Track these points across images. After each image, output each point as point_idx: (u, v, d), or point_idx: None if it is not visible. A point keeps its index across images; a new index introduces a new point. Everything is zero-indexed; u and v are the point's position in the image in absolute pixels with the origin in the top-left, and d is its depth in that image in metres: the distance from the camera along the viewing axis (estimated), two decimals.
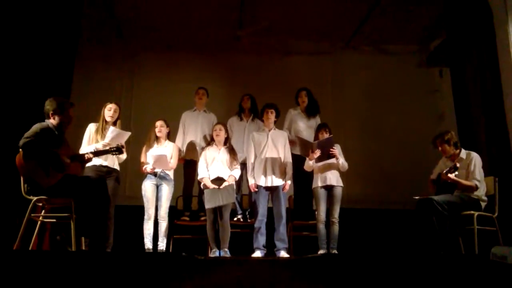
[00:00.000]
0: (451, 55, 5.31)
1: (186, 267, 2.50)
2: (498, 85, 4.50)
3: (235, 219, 4.75)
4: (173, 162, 4.40)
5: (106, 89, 6.14)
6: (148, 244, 4.23)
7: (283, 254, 4.17)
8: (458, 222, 3.73)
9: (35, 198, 3.27)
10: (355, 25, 6.20)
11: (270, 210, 4.33)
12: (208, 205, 4.19)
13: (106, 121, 4.13)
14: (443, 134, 3.93)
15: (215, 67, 6.59)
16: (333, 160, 4.30)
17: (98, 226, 3.37)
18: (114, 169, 4.12)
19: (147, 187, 4.32)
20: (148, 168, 4.31)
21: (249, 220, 4.75)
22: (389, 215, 5.42)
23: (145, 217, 4.28)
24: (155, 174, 4.34)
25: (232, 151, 4.44)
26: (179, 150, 4.74)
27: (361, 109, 6.50)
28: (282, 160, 4.38)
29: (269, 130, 4.47)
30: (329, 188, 4.29)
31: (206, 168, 4.36)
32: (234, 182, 4.37)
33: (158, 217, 4.31)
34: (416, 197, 3.78)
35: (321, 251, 4.20)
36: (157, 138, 4.44)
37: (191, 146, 4.88)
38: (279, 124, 4.68)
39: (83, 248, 3.55)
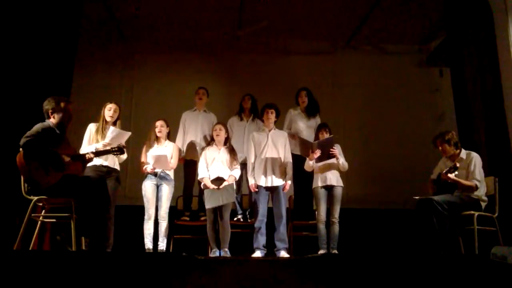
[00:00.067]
0: (451, 55, 5.31)
1: (186, 267, 2.50)
2: (498, 85, 4.50)
3: (235, 219, 4.76)
4: (173, 162, 4.40)
5: (106, 89, 6.14)
6: (148, 244, 4.23)
7: (283, 254, 4.17)
8: (458, 222, 3.73)
9: (35, 198, 3.27)
10: (355, 25, 6.21)
11: (270, 210, 4.33)
12: (208, 205, 4.19)
13: (106, 121, 4.13)
14: (444, 134, 3.93)
15: (215, 67, 6.59)
16: (333, 160, 4.30)
17: (98, 226, 3.37)
18: (115, 169, 4.12)
19: (147, 187, 4.32)
20: (148, 168, 4.31)
21: (249, 220, 4.75)
22: (389, 215, 5.42)
23: (145, 217, 4.28)
24: (155, 174, 4.34)
25: (232, 151, 4.44)
26: (179, 150, 4.74)
27: (361, 109, 6.50)
28: (282, 160, 4.38)
29: (269, 130, 4.47)
30: (329, 188, 4.29)
31: (206, 168, 4.36)
32: (234, 182, 4.37)
33: (158, 217, 4.31)
34: (416, 197, 3.78)
35: (321, 251, 4.20)
36: (157, 138, 4.44)
37: (191, 146, 4.88)
38: (279, 124, 4.68)
39: (83, 248, 3.55)
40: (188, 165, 4.89)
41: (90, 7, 5.58)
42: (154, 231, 4.29)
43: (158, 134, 4.42)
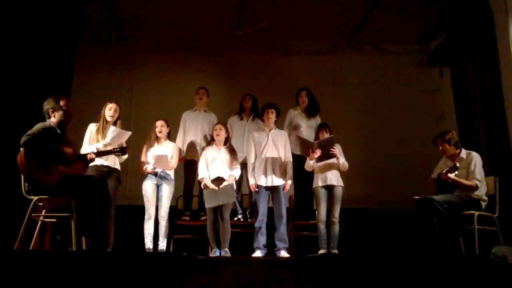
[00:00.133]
0: (451, 55, 5.31)
1: (186, 267, 2.50)
2: (498, 85, 4.50)
3: (235, 219, 4.76)
4: (174, 162, 4.41)
5: (106, 89, 6.13)
6: (149, 244, 4.23)
7: (284, 254, 4.17)
8: (459, 222, 3.73)
9: (35, 198, 3.27)
10: (355, 25, 6.21)
11: (270, 210, 4.33)
12: (208, 204, 4.20)
13: (106, 120, 4.13)
14: (444, 134, 3.93)
15: (215, 67, 6.59)
16: (333, 160, 4.30)
17: (99, 226, 3.37)
18: (115, 169, 4.12)
19: (148, 187, 4.32)
20: (148, 168, 4.31)
21: (249, 220, 4.76)
22: (389, 215, 5.42)
23: (146, 217, 4.28)
24: (155, 174, 4.34)
25: (232, 151, 4.44)
26: (180, 150, 4.74)
27: (361, 109, 6.51)
28: (283, 160, 4.39)
29: (270, 130, 4.47)
30: (329, 188, 4.30)
31: (206, 168, 4.36)
32: (234, 182, 4.37)
33: (159, 217, 4.31)
34: (416, 197, 3.78)
35: (321, 251, 4.20)
36: (157, 138, 4.44)
37: (192, 146, 4.88)
38: (279, 124, 4.68)
39: (84, 248, 3.55)
40: (188, 165, 4.89)
41: (90, 7, 5.58)
42: (154, 231, 4.29)
43: (159, 134, 4.42)
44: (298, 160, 4.52)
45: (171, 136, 4.65)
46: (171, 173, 4.42)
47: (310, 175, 4.43)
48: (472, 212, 3.65)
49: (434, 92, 6.55)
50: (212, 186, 4.23)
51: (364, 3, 5.71)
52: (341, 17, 6.00)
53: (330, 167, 4.33)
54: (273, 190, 4.33)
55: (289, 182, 4.35)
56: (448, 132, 3.96)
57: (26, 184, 3.31)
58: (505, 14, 4.45)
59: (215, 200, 4.17)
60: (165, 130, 4.46)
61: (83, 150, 3.96)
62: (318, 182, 4.32)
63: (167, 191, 4.32)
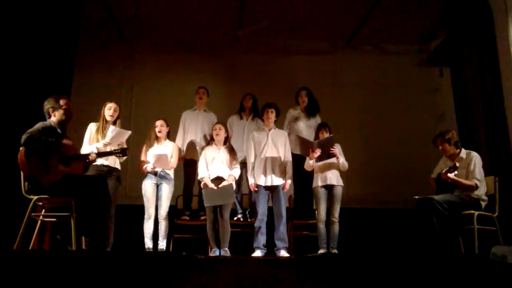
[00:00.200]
0: (451, 55, 5.31)
1: (186, 266, 2.50)
2: (498, 85, 4.50)
3: (235, 218, 4.76)
4: (173, 161, 4.41)
5: (106, 89, 6.14)
6: (148, 243, 4.23)
7: (283, 253, 4.17)
8: (458, 221, 3.73)
9: (35, 198, 3.27)
10: (355, 25, 6.21)
11: (270, 210, 4.33)
12: (207, 203, 4.20)
13: (106, 120, 4.13)
14: (444, 133, 3.93)
15: (215, 67, 6.59)
16: (333, 160, 4.30)
17: (99, 226, 3.37)
18: (115, 169, 4.12)
19: (147, 186, 4.32)
20: (148, 167, 4.31)
21: (249, 220, 4.76)
22: (389, 215, 5.42)
23: (145, 216, 4.28)
24: (155, 174, 4.34)
25: (232, 151, 4.44)
26: (179, 150, 4.74)
27: (361, 109, 6.51)
28: (282, 160, 4.39)
29: (269, 130, 4.48)
30: (329, 188, 4.30)
31: (206, 167, 4.36)
32: (233, 182, 4.37)
33: (158, 217, 4.31)
34: (416, 197, 3.78)
35: (321, 251, 4.20)
36: (157, 138, 4.44)
37: (191, 145, 4.89)
38: (279, 124, 4.68)
39: (83, 247, 3.55)
40: (188, 164, 4.89)
41: (90, 7, 5.58)
42: (154, 230, 4.29)
43: (158, 134, 4.42)
44: (298, 160, 4.52)
45: (171, 136, 4.65)
46: (171, 173, 4.42)
47: (310, 175, 4.43)
48: (472, 212, 3.65)
49: (434, 92, 6.55)
50: (212, 185, 4.23)
51: (364, 3, 5.71)
52: (341, 17, 6.00)
53: (330, 166, 4.33)
54: (272, 190, 4.33)
55: (289, 181, 4.35)
56: (448, 131, 3.96)
57: (26, 184, 3.32)
58: (505, 14, 4.45)
59: (214, 200, 4.17)
60: (165, 129, 4.46)
61: (83, 150, 3.96)
62: (318, 181, 4.32)
63: (166, 190, 4.32)
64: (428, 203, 3.62)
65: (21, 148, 3.21)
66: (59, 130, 3.44)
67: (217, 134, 4.41)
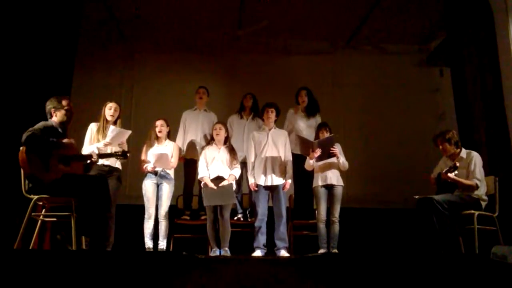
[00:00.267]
0: (451, 55, 5.31)
1: (186, 266, 2.50)
2: (498, 85, 4.50)
3: (235, 218, 4.76)
4: (174, 161, 4.41)
5: (106, 89, 6.14)
6: (149, 243, 4.23)
7: (284, 253, 4.17)
8: (459, 221, 3.73)
9: (35, 197, 3.28)
10: (355, 25, 6.21)
11: (270, 209, 4.33)
12: (206, 202, 4.19)
13: (107, 120, 4.13)
14: (444, 133, 3.93)
15: (215, 67, 6.59)
16: (333, 159, 4.31)
17: (99, 225, 3.38)
18: (116, 168, 4.12)
19: (148, 186, 4.32)
20: (149, 167, 4.31)
21: (249, 219, 4.76)
22: (389, 215, 5.42)
23: (146, 216, 4.28)
24: (155, 173, 4.34)
25: (232, 151, 4.44)
26: (180, 149, 4.74)
27: (361, 109, 6.50)
28: (282, 159, 4.39)
29: (269, 129, 4.48)
30: (329, 187, 4.30)
31: (206, 167, 4.36)
32: (234, 182, 4.36)
33: (159, 216, 4.31)
34: (416, 197, 3.78)
35: (321, 251, 4.20)
36: (157, 138, 4.44)
37: (192, 145, 4.89)
38: (279, 124, 4.68)
39: (84, 247, 3.55)
40: (188, 164, 4.89)
41: (90, 7, 5.58)
42: (154, 230, 4.29)
43: (159, 134, 4.42)
44: (298, 160, 4.52)
45: (171, 136, 4.65)
46: (171, 172, 4.42)
47: (310, 175, 4.43)
48: (472, 211, 3.65)
49: (434, 92, 6.54)
50: (212, 185, 4.23)
51: (364, 3, 5.71)
52: (341, 17, 5.99)
53: (330, 166, 4.33)
54: (272, 190, 4.33)
55: (289, 181, 4.35)
56: (448, 131, 3.96)
57: (27, 183, 3.32)
58: (505, 14, 4.45)
59: (213, 200, 4.16)
60: (165, 129, 4.46)
61: (84, 150, 3.98)
62: (318, 181, 4.32)
63: (167, 190, 4.33)
64: (428, 203, 3.62)
65: (21, 148, 3.22)
66: (60, 130, 3.46)
67: (217, 134, 4.41)
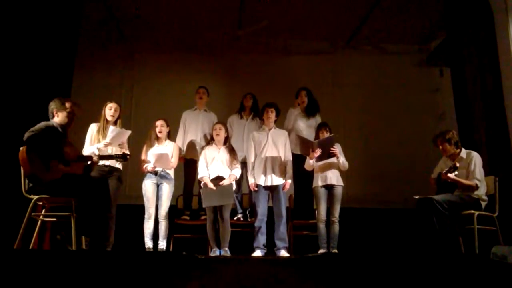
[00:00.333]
0: (451, 55, 5.31)
1: (186, 266, 2.50)
2: (498, 85, 4.50)
3: (235, 218, 4.76)
4: (174, 161, 4.41)
5: (106, 89, 6.14)
6: (149, 243, 4.23)
7: (283, 253, 4.17)
8: (458, 221, 3.73)
9: (35, 197, 3.28)
10: (355, 25, 6.21)
11: (270, 210, 4.33)
12: (205, 204, 4.19)
13: (107, 120, 4.14)
14: (444, 133, 3.93)
15: (215, 67, 6.59)
16: (333, 159, 4.30)
17: (99, 225, 3.38)
18: (116, 169, 4.12)
19: (148, 186, 4.32)
20: (149, 166, 4.31)
21: (249, 220, 4.76)
22: (389, 215, 5.42)
23: (146, 216, 4.28)
24: (155, 173, 4.34)
25: (232, 151, 4.44)
26: (180, 149, 4.74)
27: (361, 109, 6.50)
28: (282, 159, 4.39)
29: (269, 129, 4.48)
30: (329, 188, 4.30)
31: (206, 167, 4.35)
32: (234, 182, 4.36)
33: (159, 216, 4.31)
34: (416, 197, 3.78)
35: (321, 251, 4.20)
36: (157, 138, 4.44)
37: (192, 145, 4.89)
38: (279, 124, 4.68)
39: (84, 247, 3.55)
40: (188, 164, 4.89)
41: (90, 7, 5.58)
42: (154, 230, 4.29)
43: (159, 134, 4.42)
44: (298, 160, 4.52)
45: (171, 136, 4.65)
46: (171, 172, 4.42)
47: (310, 175, 4.43)
48: (472, 211, 3.65)
49: (434, 92, 6.54)
50: (211, 185, 4.22)
51: (364, 3, 5.71)
52: (341, 17, 5.99)
53: (330, 166, 4.33)
54: (272, 190, 4.33)
55: (289, 181, 4.35)
56: (448, 131, 3.96)
57: (27, 183, 3.32)
58: (505, 14, 4.45)
59: (212, 200, 4.16)
60: (165, 130, 4.46)
61: (85, 150, 3.99)
62: (318, 181, 4.32)
63: (167, 190, 4.32)
64: (428, 203, 3.62)
65: (21, 148, 3.22)
66: (60, 130, 3.46)
67: (217, 134, 4.41)
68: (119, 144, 4.05)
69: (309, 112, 4.97)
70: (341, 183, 4.33)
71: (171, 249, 4.52)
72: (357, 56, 6.74)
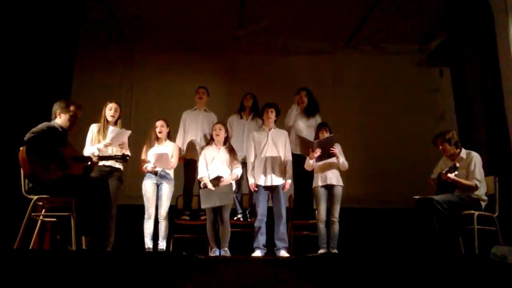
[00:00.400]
0: (451, 55, 5.31)
1: (186, 266, 2.50)
2: (498, 85, 4.50)
3: (235, 218, 4.76)
4: (174, 161, 4.41)
5: (106, 89, 6.13)
6: (149, 243, 4.23)
7: (283, 253, 4.17)
8: (458, 221, 3.73)
9: (35, 197, 3.28)
10: (355, 25, 6.20)
11: (270, 210, 4.33)
12: (203, 205, 4.18)
13: (107, 120, 4.14)
14: (444, 133, 3.93)
15: (215, 67, 6.59)
16: (333, 159, 4.30)
17: (99, 225, 3.38)
18: (117, 169, 4.12)
19: (147, 186, 4.32)
20: (149, 166, 4.31)
21: (249, 220, 4.75)
22: (389, 215, 5.42)
23: (145, 216, 4.28)
24: (155, 173, 4.34)
25: (231, 151, 4.44)
26: (180, 149, 4.74)
27: (361, 108, 6.50)
28: (282, 159, 4.39)
29: (269, 129, 4.48)
30: (329, 188, 4.30)
31: (205, 167, 4.35)
32: (233, 183, 4.36)
33: (158, 216, 4.31)
34: (416, 197, 3.78)
35: (321, 251, 4.20)
36: (157, 138, 4.44)
37: (192, 145, 4.89)
38: (279, 123, 4.68)
39: (83, 247, 3.55)
40: (188, 164, 4.89)
41: (90, 7, 5.58)
42: (154, 230, 4.29)
43: (159, 135, 4.42)
44: (298, 160, 4.52)
45: (171, 136, 4.65)
46: (171, 173, 4.42)
47: (310, 175, 4.43)
48: (472, 212, 3.65)
49: (434, 92, 6.54)
50: (210, 186, 4.22)
51: (364, 3, 5.71)
52: (341, 17, 5.99)
53: (330, 166, 4.33)
54: (272, 190, 4.33)
55: (289, 181, 4.35)
56: (448, 131, 3.96)
57: (26, 183, 3.32)
58: (505, 14, 4.45)
59: (211, 201, 4.15)
60: (165, 130, 4.46)
61: (85, 151, 4.00)
62: (318, 181, 4.32)
63: (167, 190, 4.32)
64: (428, 203, 3.62)
65: (21, 148, 3.22)
66: (60, 130, 3.47)
67: (217, 134, 4.41)
68: (119, 145, 4.05)
69: (309, 112, 4.97)
70: (341, 183, 4.33)
71: (171, 249, 4.52)
72: (357, 56, 6.73)
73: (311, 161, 4.29)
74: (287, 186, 4.35)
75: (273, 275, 2.37)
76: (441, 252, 3.52)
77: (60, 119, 3.50)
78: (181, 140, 4.93)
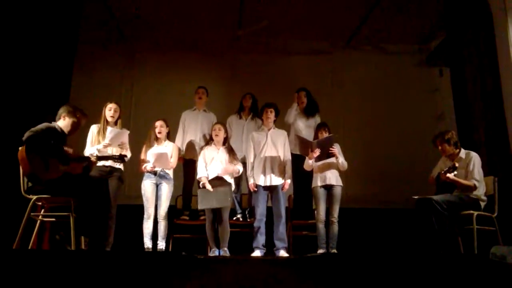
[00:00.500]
0: (451, 55, 5.31)
1: (185, 266, 2.50)
2: (498, 85, 4.49)
3: (234, 218, 4.75)
4: (173, 161, 4.40)
5: (106, 89, 6.13)
6: (148, 243, 4.23)
7: (283, 253, 4.17)
8: (458, 221, 3.73)
9: (34, 197, 3.28)
10: (355, 25, 6.21)
11: (269, 210, 4.33)
12: (200, 205, 4.17)
13: (107, 121, 4.14)
14: (444, 134, 3.94)
15: (215, 67, 6.59)
16: (332, 159, 4.30)
17: (98, 226, 3.38)
18: (117, 169, 4.13)
19: (147, 186, 4.32)
20: (148, 166, 4.31)
21: (248, 220, 4.75)
22: (388, 215, 5.42)
23: (145, 216, 4.28)
24: (155, 173, 4.34)
25: (231, 151, 4.44)
26: (179, 150, 4.74)
27: (361, 108, 6.50)
28: (282, 159, 4.39)
29: (269, 130, 4.48)
30: (328, 188, 4.29)
31: (205, 167, 4.35)
32: (232, 182, 4.36)
33: (158, 216, 4.31)
34: (415, 197, 3.78)
35: (320, 251, 4.20)
36: (157, 138, 4.44)
37: (191, 145, 4.89)
38: (278, 123, 4.68)
39: (83, 247, 3.56)
40: (187, 164, 4.89)
41: (90, 7, 5.58)
42: (154, 230, 4.29)
43: (158, 135, 4.42)
44: (297, 160, 4.52)
45: (171, 136, 4.65)
46: (170, 173, 4.42)
47: (309, 175, 4.43)
48: (471, 212, 3.65)
49: (434, 92, 6.54)
50: (209, 186, 4.21)
51: (364, 3, 5.71)
52: (341, 17, 5.99)
53: (329, 166, 4.33)
54: (272, 190, 4.33)
55: (288, 181, 4.35)
56: (447, 131, 3.96)
57: (26, 183, 3.32)
58: (505, 14, 4.44)
59: (209, 202, 4.14)
60: (164, 130, 4.46)
61: (85, 152, 4.01)
62: (317, 181, 4.32)
63: (166, 190, 4.32)
64: (427, 203, 3.62)
65: (20, 148, 3.22)
66: (60, 132, 3.47)
67: (216, 135, 4.41)
68: (119, 145, 4.05)
69: (308, 112, 4.97)
70: (340, 183, 4.33)
71: (170, 249, 4.51)
72: (357, 56, 6.73)
73: (310, 161, 4.29)
74: (287, 186, 4.35)
75: (273, 275, 2.37)
76: (441, 252, 3.52)
77: (64, 122, 3.52)
78: (181, 140, 4.93)
